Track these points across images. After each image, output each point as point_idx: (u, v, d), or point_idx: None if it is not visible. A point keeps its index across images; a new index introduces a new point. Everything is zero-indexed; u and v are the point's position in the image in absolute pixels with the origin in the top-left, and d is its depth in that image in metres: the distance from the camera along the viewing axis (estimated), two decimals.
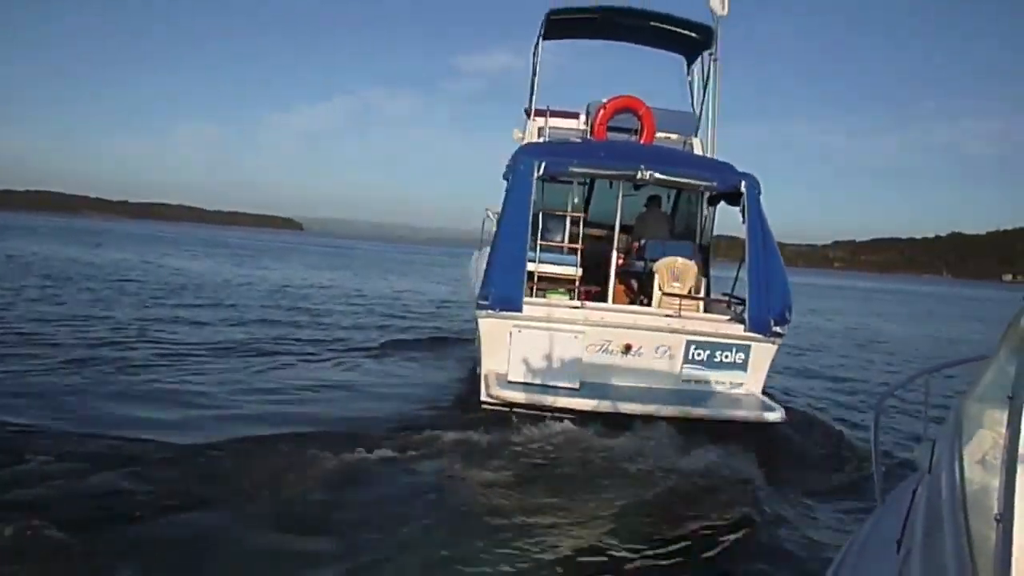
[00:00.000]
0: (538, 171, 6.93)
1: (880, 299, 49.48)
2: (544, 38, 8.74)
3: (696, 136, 8.86)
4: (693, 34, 8.81)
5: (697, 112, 9.12)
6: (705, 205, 8.54)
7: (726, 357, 6.79)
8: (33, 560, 3.73)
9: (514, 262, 6.69)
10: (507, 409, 6.48)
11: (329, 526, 4.42)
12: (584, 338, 6.63)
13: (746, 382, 6.79)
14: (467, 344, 11.81)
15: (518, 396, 6.34)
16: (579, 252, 7.66)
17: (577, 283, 7.55)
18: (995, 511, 1.29)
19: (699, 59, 9.08)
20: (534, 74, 8.91)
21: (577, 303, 7.07)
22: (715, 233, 8.78)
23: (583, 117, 9.06)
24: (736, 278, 7.54)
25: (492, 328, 6.67)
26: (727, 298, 7.58)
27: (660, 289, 7.51)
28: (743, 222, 7.02)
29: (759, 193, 7.00)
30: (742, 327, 6.70)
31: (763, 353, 6.74)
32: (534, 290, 7.28)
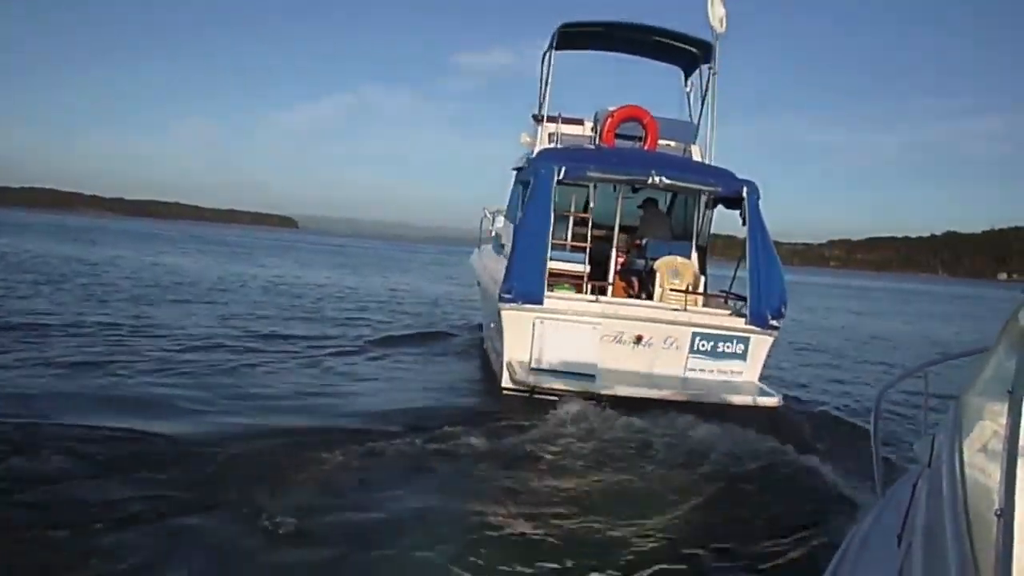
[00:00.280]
0: (558, 175, 7.55)
1: (875, 298, 49.63)
2: (556, 49, 9.30)
3: (695, 143, 9.44)
4: (693, 49, 9.45)
5: (694, 120, 9.74)
6: (702, 208, 9.08)
7: (728, 348, 7.43)
8: (32, 560, 3.72)
9: (535, 258, 7.31)
10: (527, 394, 7.14)
11: (346, 527, 4.43)
12: (600, 329, 7.25)
13: (745, 371, 7.45)
14: (467, 337, 12.21)
15: (540, 381, 7.00)
16: (587, 250, 8.19)
17: (585, 279, 8.04)
18: (996, 505, 1.29)
19: (697, 71, 9.74)
20: (545, 82, 9.48)
21: (592, 297, 7.67)
22: (712, 232, 9.26)
23: (588, 124, 9.63)
24: (734, 276, 8.20)
25: (515, 319, 7.27)
26: (724, 294, 8.19)
27: (661, 286, 8.04)
28: (743, 224, 7.70)
29: (759, 198, 7.68)
30: (742, 320, 7.39)
31: (761, 344, 7.43)
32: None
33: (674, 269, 8.14)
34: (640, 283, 8.58)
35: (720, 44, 8.91)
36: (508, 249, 8.22)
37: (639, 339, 7.41)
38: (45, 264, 22.12)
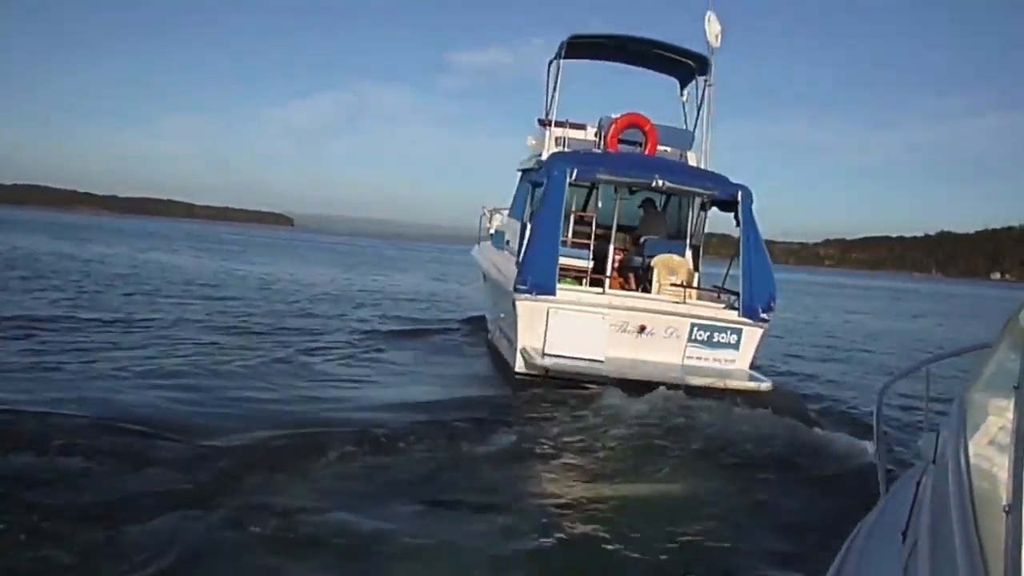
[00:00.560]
0: (570, 176, 8.18)
1: (869, 296, 49.76)
2: (563, 58, 9.85)
3: (691, 149, 10.01)
4: (690, 61, 10.06)
5: (689, 127, 10.35)
6: (696, 209, 9.75)
7: (722, 338, 8.09)
8: (34, 558, 3.70)
9: (549, 253, 7.94)
10: (539, 378, 7.78)
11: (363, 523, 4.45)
12: (607, 319, 7.87)
13: (738, 360, 8.11)
14: (470, 330, 12.71)
15: (552, 366, 7.60)
16: (590, 247, 8.79)
17: (589, 274, 8.64)
18: (1004, 501, 1.29)
19: (693, 83, 10.37)
20: (553, 89, 10.02)
21: (599, 290, 8.27)
22: (705, 232, 9.91)
23: (591, 129, 10.18)
24: (727, 273, 8.80)
25: (529, 309, 7.86)
26: (718, 289, 8.80)
27: (658, 282, 8.63)
28: (737, 225, 8.39)
29: (751, 202, 8.38)
30: (736, 313, 8.08)
31: (753, 335, 8.10)
32: None
33: (670, 266, 8.72)
34: (637, 279, 9.17)
35: (715, 58, 9.53)
36: (515, 245, 9.01)
37: (642, 329, 8.03)
38: (35, 261, 22.08)
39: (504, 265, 9.55)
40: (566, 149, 9.59)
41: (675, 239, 9.62)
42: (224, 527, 4.21)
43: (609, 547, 4.35)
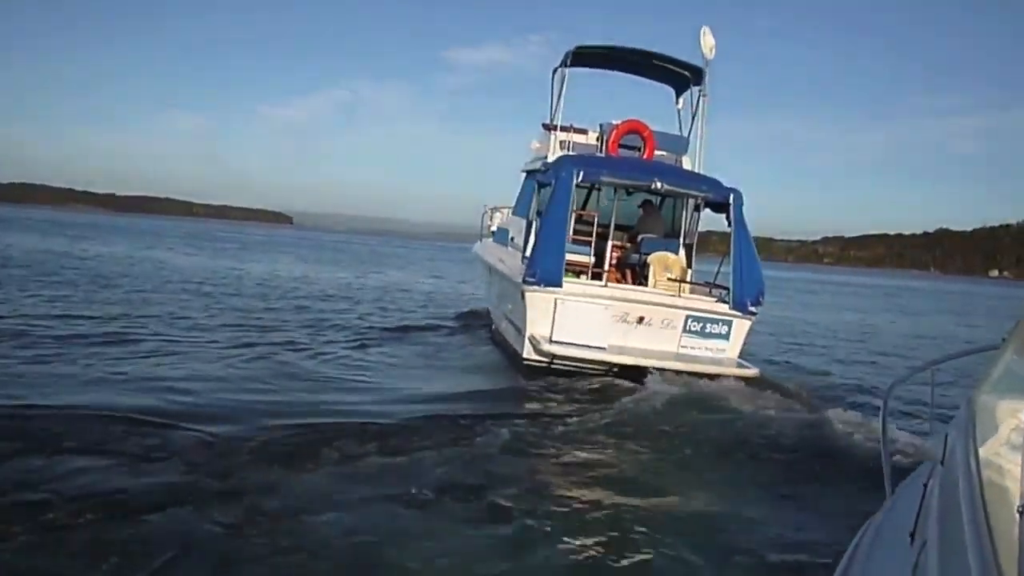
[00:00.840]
0: (577, 178, 8.81)
1: (868, 295, 49.82)
2: (567, 66, 10.47)
3: (686, 154, 10.66)
4: (686, 72, 10.72)
5: (684, 133, 11.01)
6: (690, 210, 10.29)
7: (714, 329, 8.72)
8: (38, 555, 3.70)
9: (556, 248, 8.53)
10: (546, 364, 8.44)
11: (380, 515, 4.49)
12: (609, 310, 8.44)
13: (728, 349, 8.74)
14: (471, 323, 13.21)
15: (559, 352, 8.22)
16: (592, 244, 9.37)
17: (590, 269, 9.27)
18: (1017, 503, 1.29)
19: (688, 92, 10.97)
20: (558, 96, 10.68)
21: (602, 283, 8.93)
22: (704, 229, 10.41)
23: (592, 134, 10.83)
24: (718, 270, 9.43)
25: (537, 300, 8.46)
26: (709, 285, 9.44)
27: (655, 277, 9.25)
28: (728, 226, 9.05)
29: (742, 204, 9.03)
30: (727, 306, 8.71)
31: (742, 327, 8.75)
32: None
33: (665, 263, 9.39)
34: (634, 275, 9.79)
35: (710, 69, 10.17)
36: (520, 241, 9.73)
37: (641, 319, 8.63)
38: (34, 259, 21.97)
39: (510, 260, 10.24)
40: (570, 152, 10.22)
41: (670, 238, 10.22)
42: (229, 524, 4.19)
43: (612, 545, 4.36)
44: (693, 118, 10.65)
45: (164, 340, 9.83)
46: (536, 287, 8.41)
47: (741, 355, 8.77)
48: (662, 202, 10.56)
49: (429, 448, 5.77)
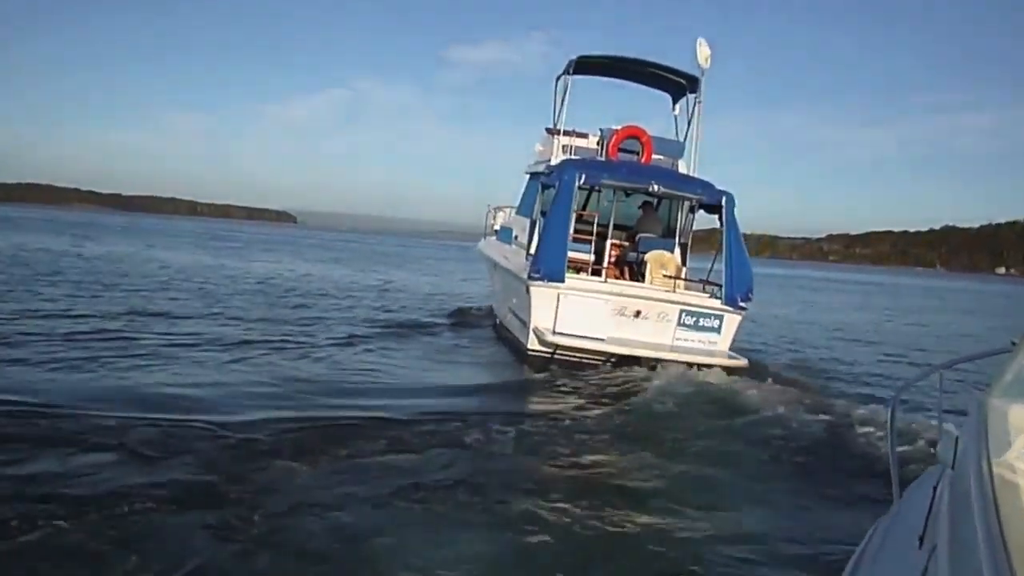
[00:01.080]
0: (579, 181, 9.36)
1: (872, 292, 49.69)
2: (570, 74, 11.07)
3: (681, 158, 11.21)
4: (682, 80, 11.36)
5: (679, 138, 11.61)
6: (685, 212, 10.85)
7: (706, 322, 9.22)
8: (40, 555, 3.71)
9: (559, 247, 9.07)
10: (550, 355, 8.99)
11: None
12: (608, 304, 9.01)
13: (719, 342, 9.25)
14: (476, 318, 13.73)
15: (563, 342, 8.79)
16: (592, 243, 9.96)
17: (590, 266, 9.81)
18: None
19: (684, 99, 11.62)
20: (561, 102, 11.27)
21: (602, 279, 9.48)
22: (710, 227, 10.90)
23: (593, 138, 11.37)
24: (711, 267, 9.91)
25: (542, 294, 8.99)
26: (703, 282, 9.95)
27: (651, 274, 9.81)
28: (720, 226, 9.63)
29: (734, 206, 9.59)
30: (718, 302, 9.24)
31: (732, 321, 9.28)
32: None
33: (661, 261, 9.94)
34: (631, 272, 10.33)
35: (705, 78, 10.75)
36: (524, 240, 10.34)
37: (638, 313, 9.18)
38: (38, 260, 22.01)
39: (514, 257, 10.83)
40: (573, 156, 10.76)
41: (667, 237, 10.81)
42: (230, 522, 4.18)
43: (613, 544, 4.35)
44: (689, 124, 11.30)
45: (166, 339, 9.87)
46: (540, 282, 8.94)
47: (732, 347, 9.31)
48: (659, 203, 11.04)
49: (436, 446, 5.80)
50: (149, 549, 3.80)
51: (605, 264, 10.08)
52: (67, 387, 6.89)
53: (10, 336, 9.11)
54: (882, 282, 72.86)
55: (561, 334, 8.81)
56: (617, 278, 10.04)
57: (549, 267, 8.96)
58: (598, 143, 11.08)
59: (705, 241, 10.87)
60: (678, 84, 11.55)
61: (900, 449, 5.07)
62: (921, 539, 1.84)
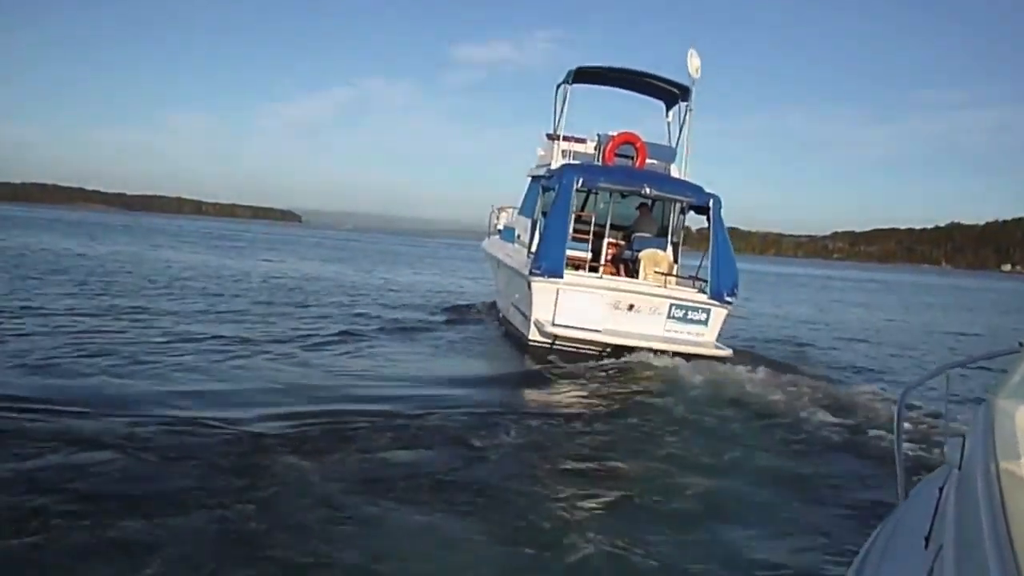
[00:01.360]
0: (577, 184, 10.06)
1: (876, 290, 49.51)
2: (570, 83, 11.90)
3: (673, 163, 11.87)
4: (674, 89, 12.08)
5: (672, 144, 12.28)
6: (677, 213, 11.58)
7: (694, 315, 9.90)
8: (41, 555, 3.71)
9: (558, 245, 9.74)
10: (549, 345, 9.65)
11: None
12: (604, 298, 9.66)
13: (706, 333, 9.92)
14: (481, 312, 14.31)
15: (561, 333, 9.46)
16: (589, 242, 10.61)
17: (587, 263, 10.44)
18: None
19: (676, 107, 12.30)
20: (560, 109, 12.08)
21: (597, 275, 10.18)
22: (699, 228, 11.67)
23: (591, 143, 12.00)
24: (700, 265, 10.60)
25: (542, 289, 9.63)
26: (692, 278, 10.66)
27: (645, 271, 10.53)
28: (708, 226, 10.37)
29: (720, 208, 10.35)
30: (706, 296, 9.91)
31: (719, 314, 9.95)
32: None
33: (654, 259, 10.66)
34: (626, 269, 11.03)
35: (695, 87, 11.43)
36: (526, 238, 11.08)
37: (631, 307, 9.82)
38: (49, 259, 22.11)
39: (516, 255, 11.50)
40: (572, 160, 11.44)
41: (660, 237, 11.51)
42: (232, 521, 4.19)
43: (613, 544, 4.35)
44: (680, 130, 12.02)
45: (170, 337, 9.91)
46: (541, 278, 9.60)
47: (719, 339, 10.02)
48: (652, 205, 11.73)
49: (442, 442, 5.84)
50: (154, 548, 3.81)
51: (602, 261, 10.77)
52: (69, 385, 6.91)
53: (14, 334, 9.15)
54: (886, 280, 72.63)
55: (560, 326, 9.48)
56: (613, 274, 10.68)
57: (549, 264, 9.61)
58: (595, 148, 11.69)
59: (706, 240, 11.17)
60: (671, 93, 12.30)
61: (906, 448, 5.07)
62: (927, 540, 1.83)
